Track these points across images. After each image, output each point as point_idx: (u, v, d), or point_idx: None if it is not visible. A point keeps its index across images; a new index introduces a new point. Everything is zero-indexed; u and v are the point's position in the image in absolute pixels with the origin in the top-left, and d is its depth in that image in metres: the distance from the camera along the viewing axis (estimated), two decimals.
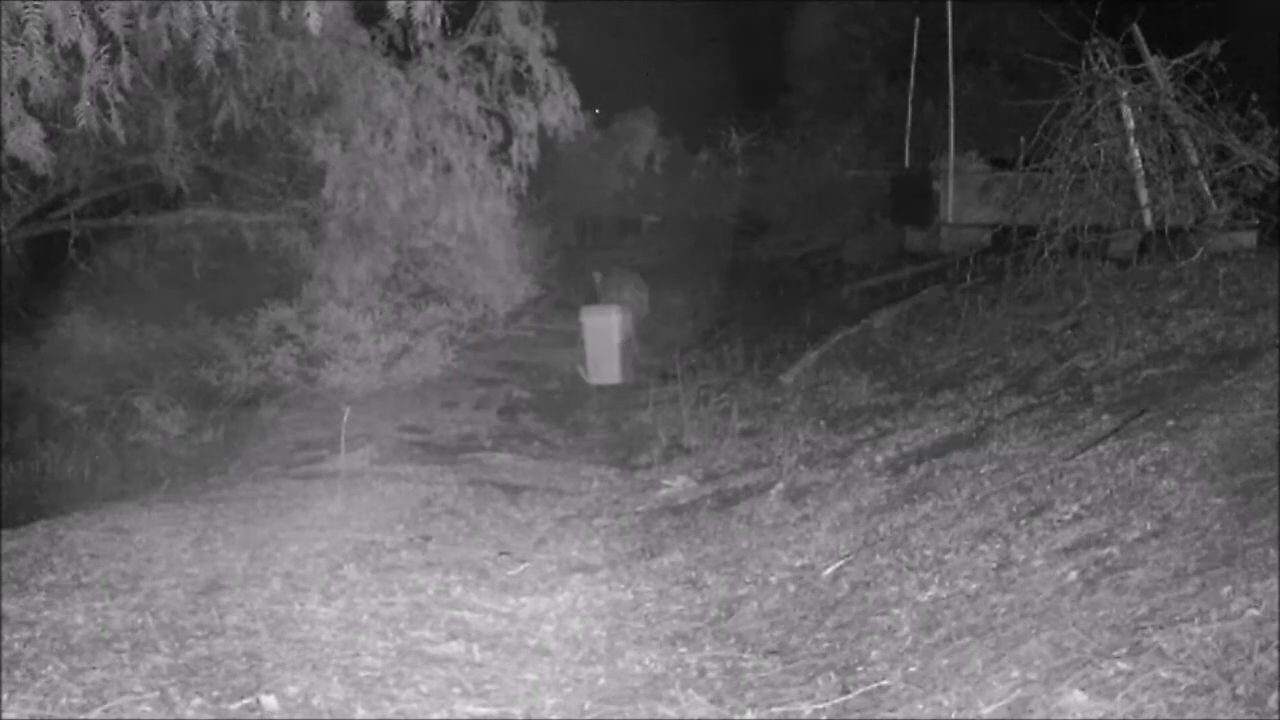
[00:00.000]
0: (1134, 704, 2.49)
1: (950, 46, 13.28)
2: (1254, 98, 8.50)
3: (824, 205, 16.43)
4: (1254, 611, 2.71)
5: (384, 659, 3.56)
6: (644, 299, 12.24)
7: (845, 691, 3.17)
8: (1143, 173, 9.05)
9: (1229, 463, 3.91)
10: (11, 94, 5.34)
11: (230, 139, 8.67)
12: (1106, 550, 3.54)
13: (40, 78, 5.22)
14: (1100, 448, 4.57)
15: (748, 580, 4.45)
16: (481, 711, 3.24)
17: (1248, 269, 7.31)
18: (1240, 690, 2.40)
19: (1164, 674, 2.55)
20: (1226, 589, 2.88)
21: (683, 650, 3.79)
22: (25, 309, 9.83)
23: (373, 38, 8.52)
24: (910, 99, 14.69)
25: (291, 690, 3.22)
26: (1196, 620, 2.75)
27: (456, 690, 3.37)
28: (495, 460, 7.12)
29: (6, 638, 3.56)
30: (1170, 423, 4.57)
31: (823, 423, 6.83)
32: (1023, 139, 9.70)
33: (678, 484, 6.20)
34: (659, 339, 11.92)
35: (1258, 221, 8.96)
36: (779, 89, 20.84)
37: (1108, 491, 4.07)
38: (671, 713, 3.23)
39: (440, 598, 4.25)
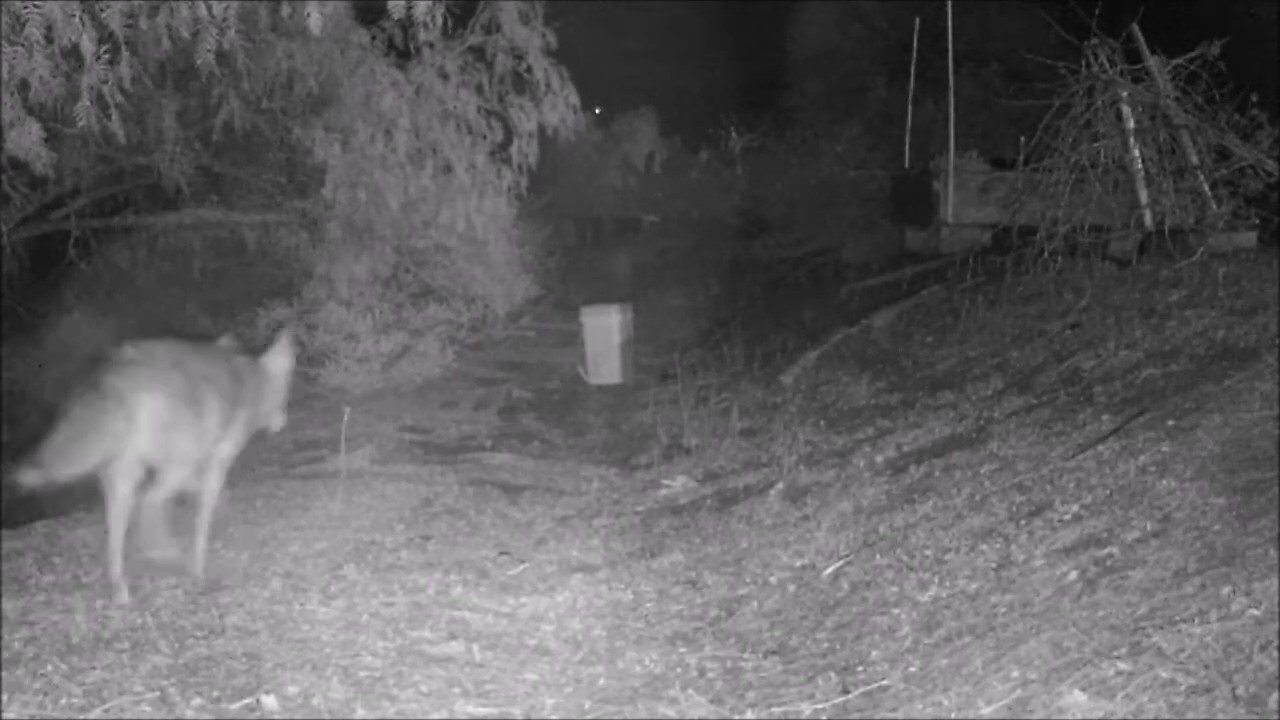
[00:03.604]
0: (1134, 704, 2.49)
1: (950, 46, 13.30)
2: (1254, 98, 8.51)
3: (824, 205, 16.45)
4: (1254, 611, 2.71)
5: (384, 659, 3.56)
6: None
7: (845, 691, 3.17)
8: (1143, 173, 9.07)
9: (1229, 463, 3.91)
10: (11, 94, 5.35)
11: (230, 139, 8.67)
12: (1106, 550, 3.54)
13: (40, 78, 5.22)
14: (1100, 448, 4.57)
15: (748, 580, 4.45)
16: (481, 711, 3.24)
17: (1248, 269, 7.31)
18: (1240, 690, 2.40)
19: (1164, 674, 2.55)
20: (1226, 589, 2.88)
21: (683, 650, 3.79)
22: (25, 309, 9.83)
23: (373, 38, 8.51)
24: (910, 99, 14.72)
25: (291, 690, 3.22)
26: (1196, 620, 2.75)
27: (456, 690, 3.37)
28: (495, 460, 7.12)
29: (6, 638, 3.56)
30: (1170, 423, 4.57)
31: (823, 423, 6.83)
32: (1023, 139, 9.73)
33: (678, 484, 6.20)
34: (659, 339, 11.92)
35: (1258, 221, 8.97)
36: (779, 89, 20.87)
37: (1108, 491, 4.07)
38: (671, 713, 3.23)
39: (440, 598, 4.25)
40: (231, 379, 4.41)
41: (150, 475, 4.14)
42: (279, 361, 4.86)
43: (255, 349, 4.89)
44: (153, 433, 3.95)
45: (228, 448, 4.48)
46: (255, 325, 9.84)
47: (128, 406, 3.89)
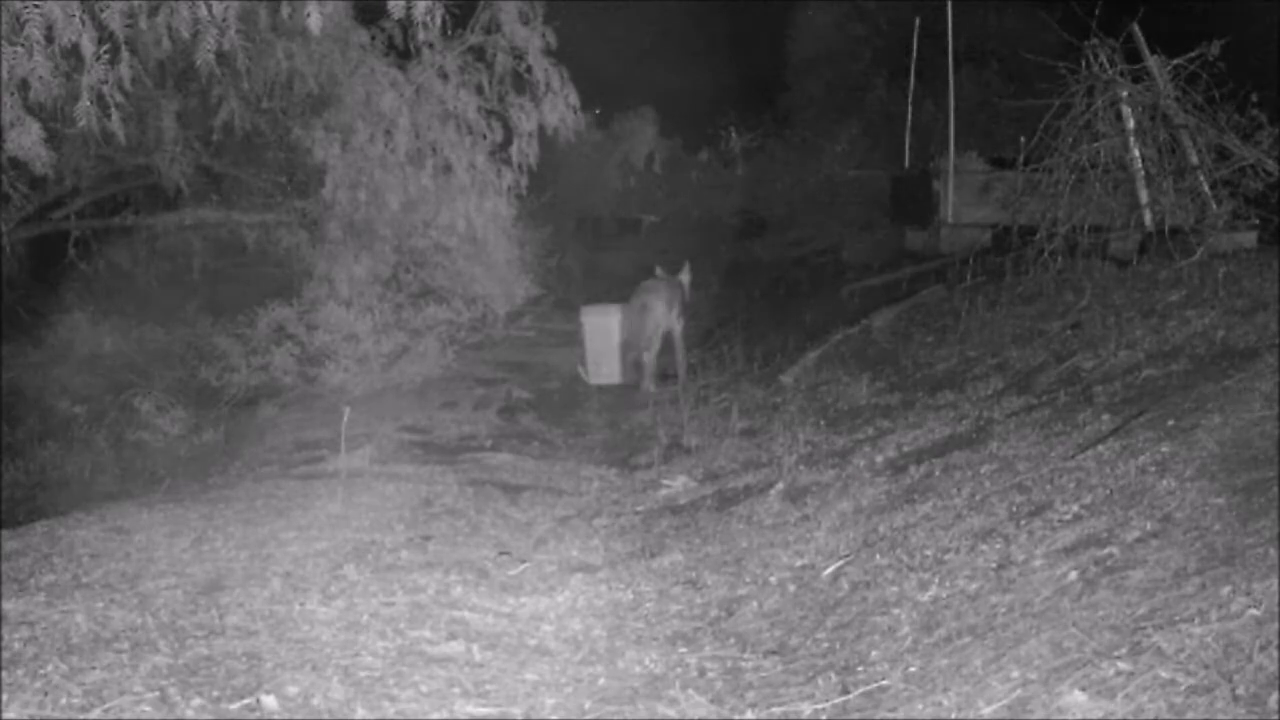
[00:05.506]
0: (1134, 704, 2.49)
1: (950, 46, 13.29)
2: (1254, 98, 8.51)
3: (824, 205, 16.45)
4: (1254, 611, 2.71)
5: (384, 659, 3.56)
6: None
7: (845, 691, 3.17)
8: (1143, 173, 9.07)
9: (1229, 463, 3.91)
10: (11, 94, 5.35)
11: (230, 139, 8.67)
12: (1106, 550, 3.54)
13: (40, 78, 5.22)
14: (1100, 448, 4.57)
15: (748, 580, 4.45)
16: (481, 711, 3.24)
17: (1248, 269, 7.30)
18: (1240, 690, 2.40)
19: (1164, 674, 2.55)
20: (1226, 589, 2.88)
21: (683, 650, 3.79)
22: (25, 309, 9.84)
23: (373, 38, 8.51)
24: (910, 99, 14.71)
25: (291, 690, 3.22)
26: (1196, 620, 2.75)
27: (456, 690, 3.37)
28: (495, 460, 7.12)
29: (6, 638, 3.56)
30: (1170, 423, 4.57)
31: (823, 423, 6.83)
32: (1023, 139, 9.73)
33: (678, 484, 6.20)
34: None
35: (1258, 221, 8.97)
36: (779, 89, 20.87)
37: (1108, 491, 4.07)
38: (671, 713, 3.23)
39: (440, 598, 4.25)
40: (681, 293, 9.93)
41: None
42: (686, 277, 10.21)
43: (672, 270, 10.22)
44: (656, 320, 9.53)
45: (680, 325, 9.83)
46: (255, 325, 9.85)
47: (649, 308, 9.59)
